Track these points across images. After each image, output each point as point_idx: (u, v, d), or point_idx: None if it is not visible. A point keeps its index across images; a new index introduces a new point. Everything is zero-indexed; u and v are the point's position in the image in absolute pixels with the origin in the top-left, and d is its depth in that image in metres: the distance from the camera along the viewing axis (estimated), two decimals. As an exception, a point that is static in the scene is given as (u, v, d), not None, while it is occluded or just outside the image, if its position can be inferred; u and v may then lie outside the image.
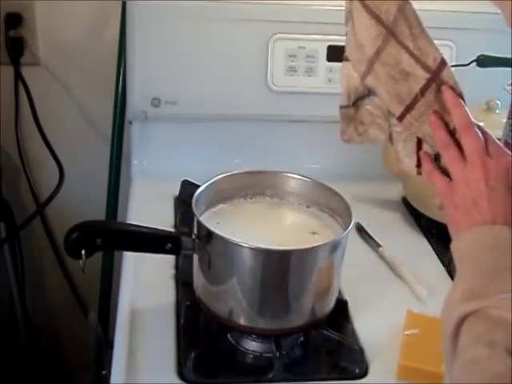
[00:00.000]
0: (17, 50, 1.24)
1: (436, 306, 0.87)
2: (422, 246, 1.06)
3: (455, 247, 0.66)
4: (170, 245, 0.77)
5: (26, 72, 1.27)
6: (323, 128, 1.20)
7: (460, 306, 0.59)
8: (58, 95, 1.31)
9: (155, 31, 1.10)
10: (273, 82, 1.15)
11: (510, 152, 0.65)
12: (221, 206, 0.86)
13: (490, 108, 1.08)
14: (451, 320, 0.59)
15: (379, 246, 1.03)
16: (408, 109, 0.69)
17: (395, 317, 0.85)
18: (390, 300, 0.91)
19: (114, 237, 0.77)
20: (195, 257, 0.80)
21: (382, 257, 1.01)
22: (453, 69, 1.19)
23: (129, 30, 1.10)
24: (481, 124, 0.67)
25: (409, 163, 0.73)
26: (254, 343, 0.80)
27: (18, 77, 1.26)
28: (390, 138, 0.74)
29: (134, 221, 0.95)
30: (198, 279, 0.81)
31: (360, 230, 1.06)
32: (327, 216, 0.86)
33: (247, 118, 1.18)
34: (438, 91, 0.67)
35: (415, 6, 1.16)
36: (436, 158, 0.70)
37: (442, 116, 0.68)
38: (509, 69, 1.08)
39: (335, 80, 1.16)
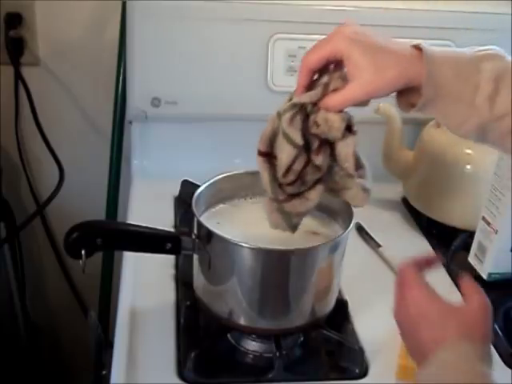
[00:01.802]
0: (17, 50, 1.24)
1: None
2: (422, 246, 1.06)
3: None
4: (169, 245, 0.77)
5: (26, 72, 1.27)
6: (323, 128, 1.20)
7: None
8: (58, 95, 1.31)
9: (155, 31, 1.10)
10: (273, 82, 1.15)
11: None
12: (221, 205, 0.86)
13: (490, 108, 1.08)
14: None
15: (379, 246, 1.03)
16: None
17: (395, 317, 0.84)
18: (390, 300, 0.91)
19: (114, 237, 0.77)
20: (195, 257, 0.80)
21: (381, 257, 1.01)
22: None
23: (129, 30, 1.10)
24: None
25: None
26: (254, 343, 0.80)
27: (18, 77, 1.26)
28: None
29: (134, 221, 0.95)
30: (198, 279, 0.81)
31: (360, 229, 1.06)
32: (327, 216, 0.85)
33: (247, 118, 1.18)
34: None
35: (416, 5, 1.17)
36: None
37: None
38: (509, 69, 1.08)
39: (335, 80, 1.16)
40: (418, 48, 0.66)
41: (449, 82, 0.64)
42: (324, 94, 0.67)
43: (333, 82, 0.67)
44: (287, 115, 0.67)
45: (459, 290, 0.67)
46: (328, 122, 0.66)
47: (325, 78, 0.68)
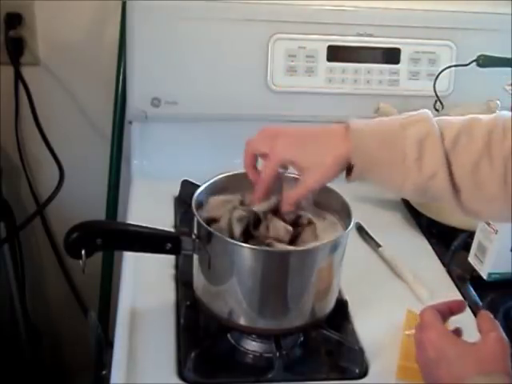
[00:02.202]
0: (17, 50, 1.24)
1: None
2: (422, 246, 1.06)
3: None
4: (169, 245, 0.77)
5: (26, 72, 1.27)
6: (323, 128, 1.20)
7: None
8: (58, 95, 1.31)
9: (155, 31, 1.10)
10: (273, 82, 1.15)
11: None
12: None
13: (489, 108, 1.08)
14: None
15: (379, 246, 1.02)
16: None
17: (395, 317, 0.85)
18: (390, 300, 0.91)
19: (114, 237, 0.77)
20: (195, 257, 0.80)
21: (381, 257, 1.01)
22: (453, 69, 1.21)
23: (129, 30, 1.10)
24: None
25: None
26: (254, 343, 0.80)
27: (18, 77, 1.26)
28: None
29: (134, 221, 0.95)
30: (198, 279, 0.81)
31: (360, 230, 1.06)
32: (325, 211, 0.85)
33: (247, 118, 1.18)
34: None
35: (416, 5, 1.17)
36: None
37: None
38: (509, 69, 1.08)
39: (335, 80, 1.16)
40: (346, 127, 0.72)
41: (376, 151, 0.70)
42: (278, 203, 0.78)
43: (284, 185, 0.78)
44: (240, 213, 0.77)
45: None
46: (278, 231, 0.76)
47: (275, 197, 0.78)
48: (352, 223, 0.78)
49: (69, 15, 1.24)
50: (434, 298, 0.90)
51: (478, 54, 1.09)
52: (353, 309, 0.87)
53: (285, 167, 0.78)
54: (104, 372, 0.90)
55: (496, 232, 0.91)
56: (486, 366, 0.64)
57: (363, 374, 0.78)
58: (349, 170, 0.72)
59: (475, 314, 0.88)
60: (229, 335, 0.81)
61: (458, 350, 0.66)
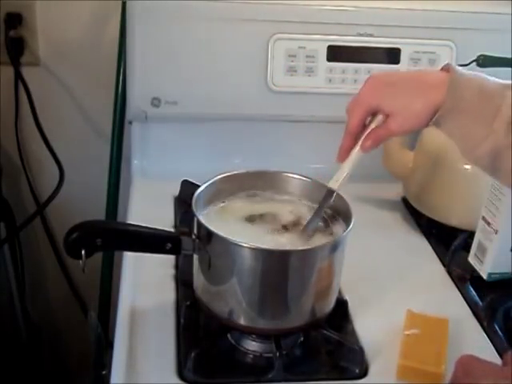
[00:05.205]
0: (17, 50, 1.24)
1: (436, 306, 0.87)
2: (422, 246, 1.06)
3: None
4: (169, 245, 0.77)
5: (26, 72, 1.27)
6: (323, 128, 1.20)
7: None
8: (58, 95, 1.31)
9: (155, 31, 1.10)
10: (273, 82, 1.15)
11: None
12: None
13: (490, 108, 1.08)
14: None
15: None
16: None
17: (395, 317, 0.84)
18: (390, 300, 0.91)
19: (114, 237, 0.77)
20: (195, 257, 0.80)
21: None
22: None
23: (129, 30, 1.10)
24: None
25: None
26: (254, 343, 0.80)
27: (18, 77, 1.26)
28: None
29: (134, 221, 0.95)
30: (198, 279, 0.81)
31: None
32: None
33: (247, 118, 1.18)
34: None
35: (416, 5, 1.17)
36: None
37: None
38: (509, 69, 1.08)
39: (335, 80, 1.16)
40: (446, 69, 0.69)
41: (471, 97, 0.67)
42: None
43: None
44: None
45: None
46: None
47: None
48: (352, 223, 0.78)
49: (69, 15, 1.24)
50: (434, 298, 0.90)
51: (478, 54, 1.09)
52: (353, 309, 0.87)
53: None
54: (104, 372, 0.91)
55: (496, 232, 0.91)
56: (503, 375, 0.65)
57: (363, 373, 0.78)
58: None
59: (475, 314, 0.89)
60: (229, 335, 0.81)
61: (484, 367, 0.68)
